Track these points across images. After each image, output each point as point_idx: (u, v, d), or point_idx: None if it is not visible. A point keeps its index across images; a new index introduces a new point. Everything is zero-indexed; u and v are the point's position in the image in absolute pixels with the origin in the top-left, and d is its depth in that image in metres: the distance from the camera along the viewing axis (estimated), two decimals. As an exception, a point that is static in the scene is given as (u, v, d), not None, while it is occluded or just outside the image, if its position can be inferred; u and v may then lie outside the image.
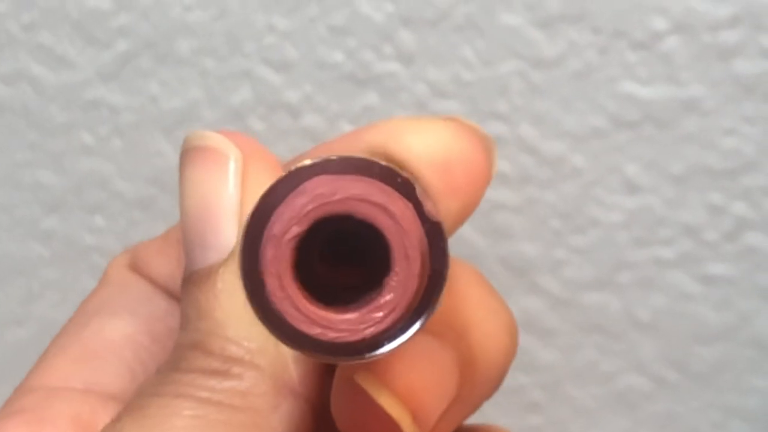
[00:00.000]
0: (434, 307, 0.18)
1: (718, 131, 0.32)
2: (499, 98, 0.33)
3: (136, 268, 0.24)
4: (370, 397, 0.20)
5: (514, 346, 0.22)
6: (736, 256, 0.33)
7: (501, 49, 0.33)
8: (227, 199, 0.20)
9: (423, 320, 0.18)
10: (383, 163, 0.18)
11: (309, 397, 0.20)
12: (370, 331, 0.18)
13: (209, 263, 0.20)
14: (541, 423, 0.36)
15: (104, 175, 0.36)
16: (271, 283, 0.18)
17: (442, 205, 0.20)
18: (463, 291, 0.21)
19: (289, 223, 0.18)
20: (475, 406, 0.22)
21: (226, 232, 0.20)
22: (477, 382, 0.21)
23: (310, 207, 0.18)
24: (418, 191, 0.18)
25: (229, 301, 0.20)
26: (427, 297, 0.18)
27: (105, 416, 0.21)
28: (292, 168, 0.18)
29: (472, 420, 0.23)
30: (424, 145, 0.21)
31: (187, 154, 0.21)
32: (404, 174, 0.18)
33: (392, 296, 0.18)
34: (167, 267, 0.23)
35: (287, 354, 0.20)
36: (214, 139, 0.21)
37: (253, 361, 0.20)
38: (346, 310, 0.18)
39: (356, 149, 0.21)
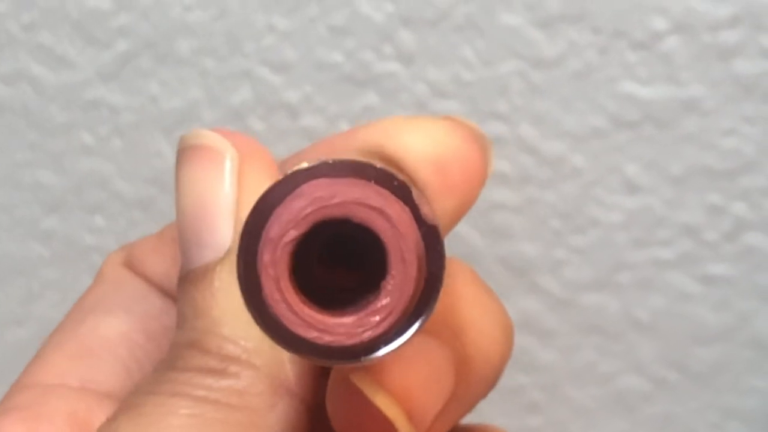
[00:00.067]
0: (431, 310, 0.18)
1: (717, 131, 0.32)
2: (499, 98, 0.33)
3: (131, 265, 0.24)
4: (365, 397, 0.19)
5: (510, 345, 0.22)
6: (735, 256, 0.33)
7: (501, 49, 0.33)
8: (223, 197, 0.20)
9: (420, 323, 0.18)
10: (380, 166, 0.18)
11: (305, 396, 0.20)
12: (366, 335, 0.18)
13: (206, 262, 0.20)
14: (541, 424, 0.36)
15: (104, 175, 0.36)
16: (268, 287, 0.18)
17: (438, 204, 0.20)
18: (459, 290, 0.21)
19: (286, 227, 0.18)
20: (470, 406, 0.22)
21: (223, 231, 0.20)
22: (472, 381, 0.21)
23: (307, 210, 0.18)
24: (415, 194, 0.18)
25: (225, 300, 0.20)
26: (423, 300, 0.18)
27: (101, 414, 0.21)
28: (290, 171, 0.18)
29: (470, 419, 0.23)
30: (419, 143, 0.21)
31: (184, 152, 0.21)
32: (401, 177, 0.18)
33: (389, 300, 0.18)
34: (162, 265, 0.23)
35: (284, 353, 0.20)
36: (210, 137, 0.21)
37: (250, 360, 0.20)
38: (342, 314, 0.18)
39: (353, 147, 0.21)
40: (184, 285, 0.20)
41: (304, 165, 0.18)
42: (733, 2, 0.31)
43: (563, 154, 0.33)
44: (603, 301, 0.35)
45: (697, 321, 0.34)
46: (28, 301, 0.38)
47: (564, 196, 0.34)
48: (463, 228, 0.34)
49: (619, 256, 0.34)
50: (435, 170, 0.21)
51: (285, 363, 0.20)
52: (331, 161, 0.18)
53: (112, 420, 0.19)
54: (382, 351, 0.18)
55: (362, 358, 0.18)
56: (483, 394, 0.22)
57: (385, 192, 0.18)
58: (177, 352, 0.20)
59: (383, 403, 0.19)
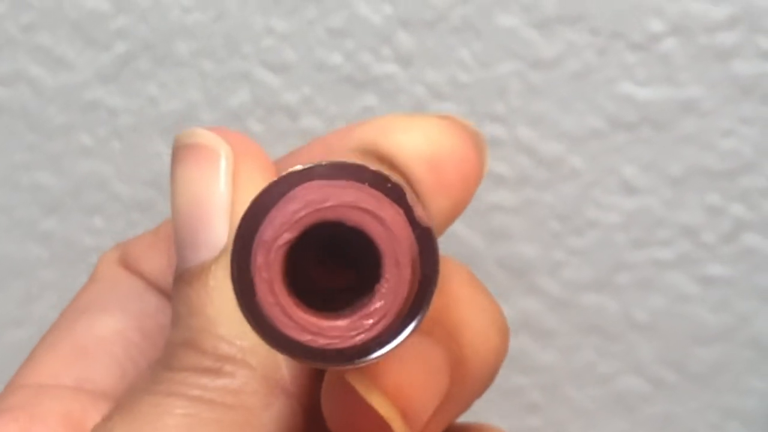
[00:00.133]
0: (425, 312, 0.18)
1: (716, 132, 0.32)
2: (497, 99, 0.33)
3: (126, 264, 0.24)
4: (360, 397, 0.19)
5: (505, 345, 0.22)
6: (734, 257, 0.33)
7: (499, 50, 0.33)
8: (218, 196, 0.20)
9: (413, 326, 0.18)
10: (373, 167, 0.18)
11: (300, 396, 0.20)
12: (360, 338, 0.18)
13: (201, 261, 0.20)
14: (540, 424, 0.36)
15: (103, 176, 0.36)
16: (262, 290, 0.18)
17: (433, 203, 0.20)
18: (454, 290, 0.21)
19: (280, 230, 0.18)
20: (466, 405, 0.22)
21: (218, 230, 0.20)
22: (468, 380, 0.21)
23: (301, 214, 0.18)
24: (409, 196, 0.18)
25: (221, 299, 0.20)
26: (417, 302, 0.18)
27: (95, 414, 0.21)
28: (283, 173, 0.18)
29: (466, 418, 0.23)
30: (414, 141, 0.21)
31: (179, 151, 0.21)
32: (394, 179, 0.18)
33: (383, 303, 0.18)
34: (158, 263, 0.23)
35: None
36: (205, 136, 0.21)
37: (245, 359, 0.19)
38: (336, 317, 0.18)
39: (348, 146, 0.21)
40: (179, 284, 0.20)
41: (298, 167, 0.18)
42: (731, 3, 0.31)
43: (561, 155, 0.33)
44: (602, 302, 0.35)
45: (696, 321, 0.34)
46: (27, 303, 0.38)
47: (563, 197, 0.34)
48: (462, 229, 0.34)
49: (619, 257, 0.34)
50: (429, 168, 0.21)
51: (280, 363, 0.20)
52: (324, 163, 0.18)
53: (107, 420, 0.19)
54: (376, 354, 0.18)
55: (356, 361, 0.18)
56: (478, 394, 0.22)
57: (379, 194, 0.18)
58: (172, 352, 0.20)
59: (378, 402, 0.19)
